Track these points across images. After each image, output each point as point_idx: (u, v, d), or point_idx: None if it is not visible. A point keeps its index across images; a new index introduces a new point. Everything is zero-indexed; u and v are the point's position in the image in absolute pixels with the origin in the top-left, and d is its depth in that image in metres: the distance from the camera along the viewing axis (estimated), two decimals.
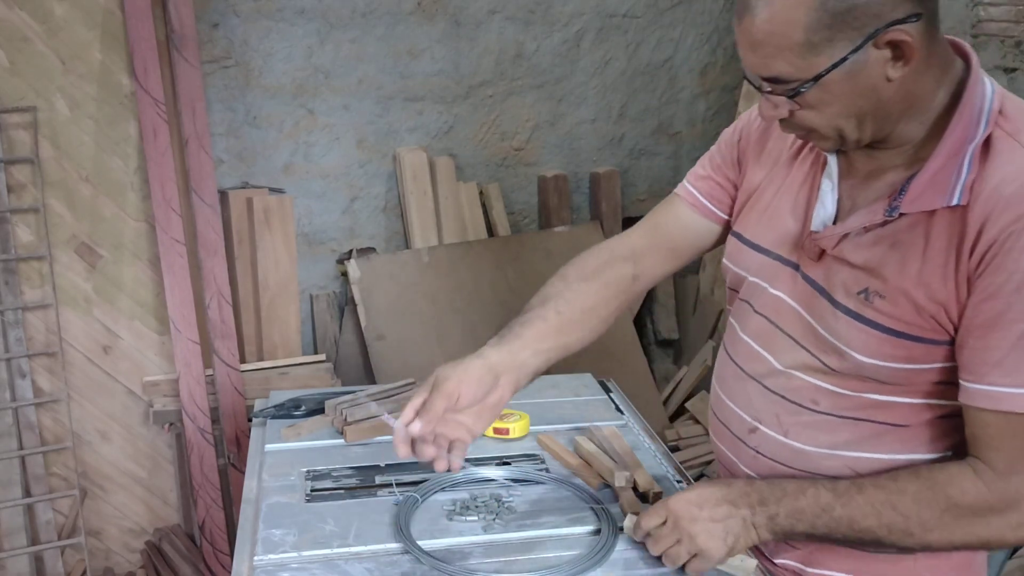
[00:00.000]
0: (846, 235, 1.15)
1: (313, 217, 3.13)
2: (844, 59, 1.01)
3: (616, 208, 3.44)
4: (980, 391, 1.07)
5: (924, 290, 1.08)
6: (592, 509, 1.38)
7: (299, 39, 2.96)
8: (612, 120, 3.46)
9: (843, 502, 1.13)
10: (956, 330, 1.09)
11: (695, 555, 1.18)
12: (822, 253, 1.18)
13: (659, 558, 1.23)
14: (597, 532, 1.32)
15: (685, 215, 1.41)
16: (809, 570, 1.28)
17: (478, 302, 3.15)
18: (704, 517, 1.17)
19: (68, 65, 2.63)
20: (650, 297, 3.56)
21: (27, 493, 2.70)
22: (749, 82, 1.12)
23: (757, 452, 1.28)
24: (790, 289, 1.23)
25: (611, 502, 1.39)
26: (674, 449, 3.19)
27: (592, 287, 1.38)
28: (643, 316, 3.59)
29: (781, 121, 1.12)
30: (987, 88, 1.09)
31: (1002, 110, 1.08)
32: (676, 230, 1.42)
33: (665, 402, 3.45)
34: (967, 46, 1.13)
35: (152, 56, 2.58)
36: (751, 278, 1.29)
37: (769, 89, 1.08)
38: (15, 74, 2.59)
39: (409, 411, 1.21)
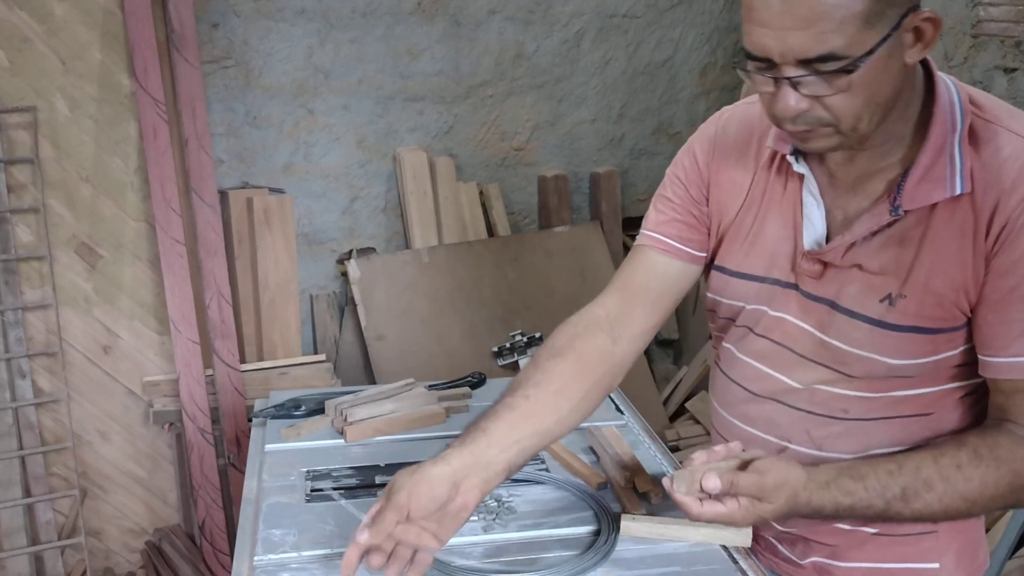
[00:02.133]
0: (853, 244, 1.14)
1: (313, 217, 3.13)
2: (888, 35, 0.99)
3: (616, 208, 3.44)
4: (1005, 363, 1.10)
5: (944, 280, 1.11)
6: (592, 509, 1.38)
7: (299, 39, 2.96)
8: (612, 120, 3.46)
9: (912, 505, 1.14)
10: (974, 309, 1.12)
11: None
12: (824, 268, 1.17)
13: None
14: (597, 533, 1.32)
15: (660, 263, 1.31)
16: (838, 564, 1.29)
17: (478, 302, 3.15)
18: (768, 521, 1.15)
19: (68, 65, 2.63)
20: None
21: (27, 493, 2.70)
22: (750, 77, 1.06)
23: None
24: (793, 310, 1.21)
25: (611, 502, 1.39)
26: (674, 449, 3.19)
27: (563, 364, 1.27)
28: None
29: (796, 118, 1.05)
30: (948, 82, 1.13)
31: (972, 100, 1.12)
32: (652, 281, 1.32)
33: (665, 402, 3.45)
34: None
35: (152, 56, 2.58)
36: (749, 306, 1.26)
37: (804, 73, 1.00)
38: (15, 74, 2.59)
39: (365, 518, 1.12)
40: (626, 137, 3.50)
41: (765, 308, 1.24)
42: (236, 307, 2.89)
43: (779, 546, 1.35)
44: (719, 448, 1.16)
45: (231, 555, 1.75)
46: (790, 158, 1.18)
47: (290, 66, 2.97)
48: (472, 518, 1.33)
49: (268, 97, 2.97)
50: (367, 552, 1.10)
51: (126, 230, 2.77)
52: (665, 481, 1.14)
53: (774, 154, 1.21)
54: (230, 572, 1.24)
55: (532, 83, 3.30)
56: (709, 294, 1.32)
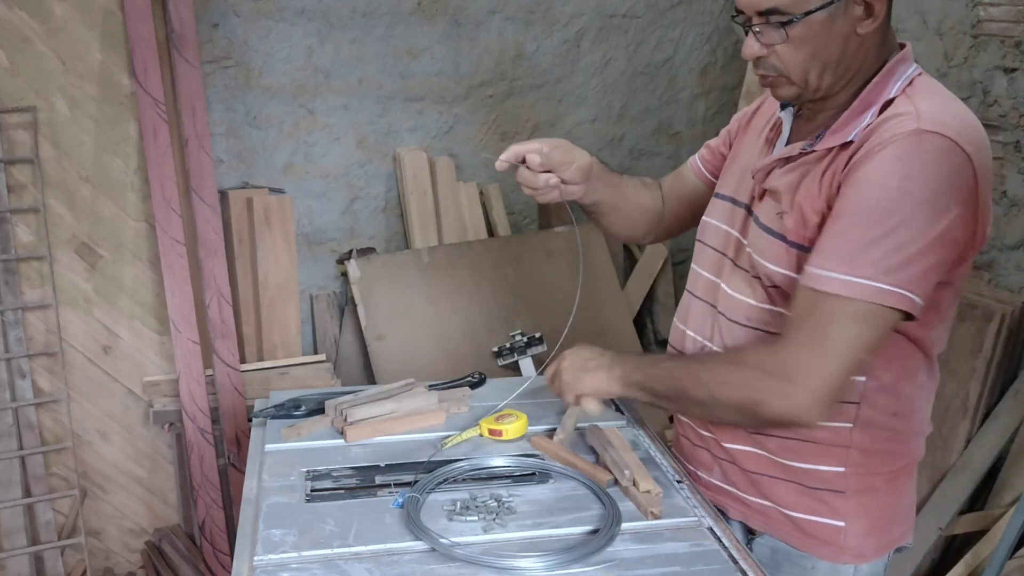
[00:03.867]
0: (772, 169, 1.39)
1: (313, 217, 3.13)
2: (831, 2, 1.24)
3: None
4: (805, 272, 1.27)
5: (810, 203, 1.31)
6: (599, 498, 1.39)
7: (299, 39, 2.96)
8: (612, 120, 3.46)
9: (681, 367, 1.43)
10: None
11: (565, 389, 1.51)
12: (763, 193, 1.41)
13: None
14: (597, 532, 1.32)
15: (685, 173, 1.74)
16: (751, 499, 1.47)
17: (478, 302, 3.15)
18: (575, 364, 1.50)
19: (68, 65, 2.63)
20: (650, 297, 3.57)
21: (27, 493, 2.70)
22: (739, 25, 1.33)
23: None
24: (736, 224, 1.46)
25: (619, 499, 1.39)
26: None
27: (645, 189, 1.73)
28: (643, 316, 3.59)
29: (757, 62, 1.32)
30: (910, 70, 1.32)
31: (913, 81, 1.30)
32: (679, 183, 1.74)
33: None
34: (906, 42, 1.35)
35: (152, 56, 2.58)
36: (712, 221, 1.53)
37: (761, 23, 1.27)
38: (15, 74, 2.59)
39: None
40: (626, 137, 3.50)
41: (720, 224, 1.51)
42: (236, 307, 2.89)
43: (700, 473, 1.55)
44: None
45: (231, 555, 1.75)
46: (778, 107, 1.45)
47: (290, 66, 2.97)
48: (472, 518, 1.34)
49: (268, 97, 2.97)
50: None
51: (126, 230, 2.77)
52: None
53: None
54: (230, 572, 1.24)
55: (532, 83, 3.30)
56: (703, 218, 1.59)
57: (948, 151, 1.21)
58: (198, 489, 2.73)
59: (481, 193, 3.28)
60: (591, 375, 1.48)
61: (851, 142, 1.28)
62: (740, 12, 1.31)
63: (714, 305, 1.48)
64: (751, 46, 1.30)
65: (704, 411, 1.42)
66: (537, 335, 3.08)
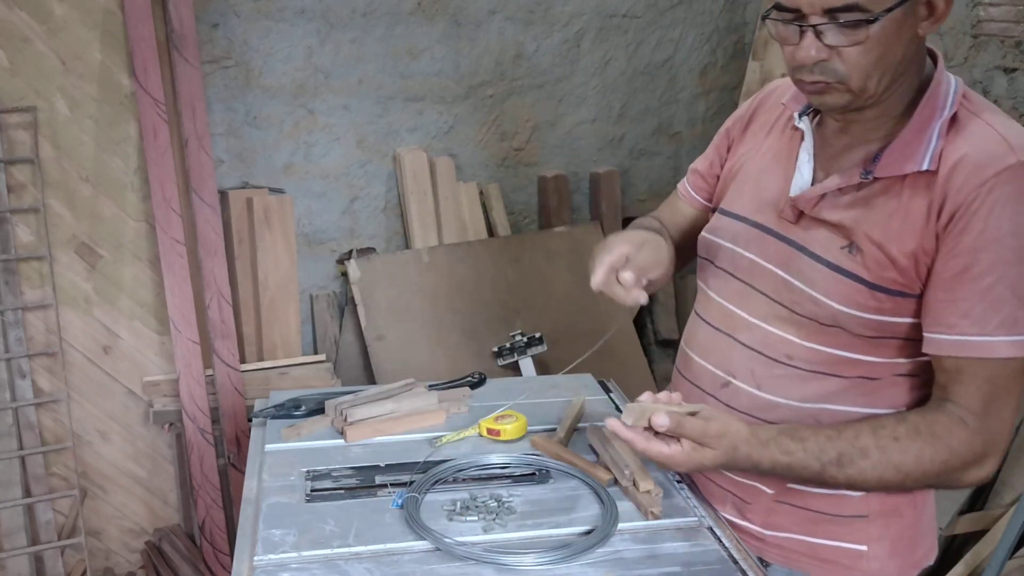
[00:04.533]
0: (823, 197, 1.26)
1: (313, 217, 3.13)
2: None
3: (616, 208, 3.44)
4: (950, 341, 1.17)
5: (897, 244, 1.19)
6: (599, 497, 1.39)
7: (299, 39, 2.96)
8: (612, 120, 3.46)
9: (847, 471, 1.21)
10: (925, 285, 1.19)
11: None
12: (800, 216, 1.29)
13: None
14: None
15: (678, 205, 1.63)
16: (768, 534, 1.38)
17: (478, 302, 3.15)
18: (703, 471, 1.29)
19: (68, 65, 2.63)
20: (650, 298, 3.56)
21: (27, 493, 2.70)
22: (781, 25, 1.17)
23: (728, 406, 1.36)
24: (764, 251, 1.34)
25: (619, 499, 1.40)
26: None
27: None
28: (643, 316, 3.59)
29: (812, 68, 1.17)
30: (951, 78, 1.23)
31: (965, 95, 1.22)
32: (677, 217, 1.62)
33: None
34: (935, 49, 1.26)
35: (152, 56, 2.58)
36: (726, 244, 1.40)
37: (827, 21, 1.12)
38: (15, 74, 2.59)
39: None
40: (626, 137, 3.50)
41: (741, 250, 1.38)
42: (236, 307, 2.89)
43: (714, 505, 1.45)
44: (662, 395, 1.28)
45: (231, 555, 1.75)
46: (795, 115, 1.33)
47: (290, 66, 2.97)
48: (472, 518, 1.34)
49: (268, 97, 2.97)
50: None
51: (126, 230, 2.77)
52: (611, 422, 1.26)
53: (790, 116, 1.36)
54: (230, 572, 1.24)
55: (532, 83, 3.30)
56: (702, 233, 1.48)
57: None
58: (198, 489, 2.73)
59: (481, 193, 3.28)
60: (700, 467, 1.25)
61: (929, 171, 1.17)
62: (788, 10, 1.15)
63: (733, 336, 1.37)
64: (810, 49, 1.15)
65: (878, 490, 1.28)
66: (537, 335, 3.08)
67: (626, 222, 3.48)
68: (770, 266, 1.32)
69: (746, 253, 1.37)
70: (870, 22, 1.11)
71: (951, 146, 1.17)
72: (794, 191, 1.30)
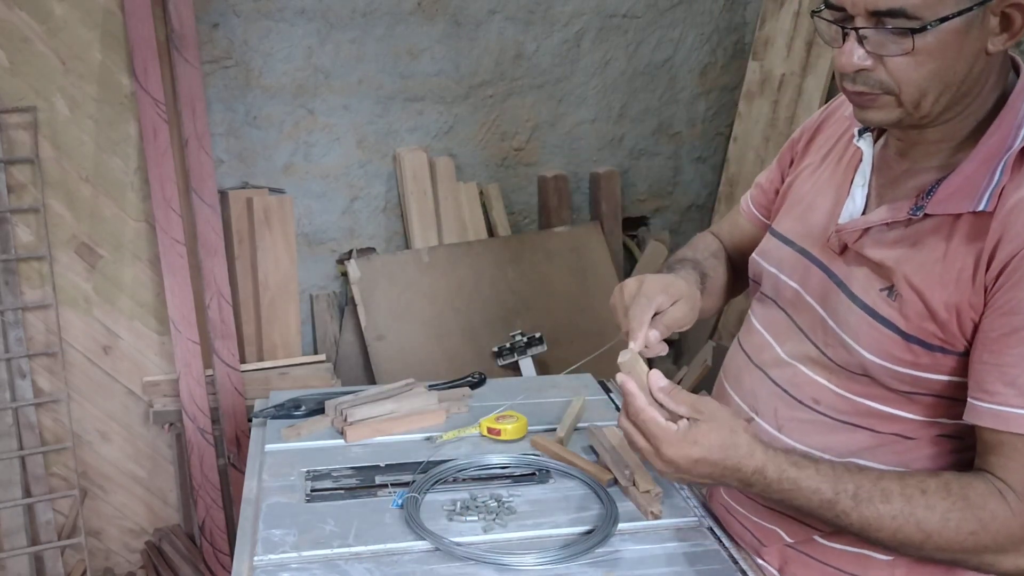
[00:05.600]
0: (868, 230, 1.13)
1: (313, 217, 3.13)
2: (970, 9, 0.97)
3: (616, 208, 3.44)
4: (992, 411, 1.02)
5: (940, 293, 1.05)
6: (599, 497, 1.39)
7: (299, 39, 2.96)
8: (612, 120, 3.46)
9: (861, 510, 1.06)
10: (969, 343, 1.05)
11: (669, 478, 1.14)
12: (844, 248, 1.16)
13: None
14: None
15: (740, 222, 1.52)
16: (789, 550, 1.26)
17: (478, 302, 3.15)
18: (694, 471, 1.09)
19: (68, 65, 2.63)
20: None
21: (27, 493, 2.70)
22: (827, 23, 1.05)
23: None
24: (808, 283, 1.22)
25: (619, 499, 1.40)
26: None
27: (719, 264, 1.50)
28: None
29: (854, 78, 1.05)
30: None
31: None
32: (738, 235, 1.53)
33: None
34: (1020, 59, 1.10)
35: (152, 56, 2.58)
36: (770, 269, 1.29)
37: (872, 25, 1.00)
38: (15, 74, 2.59)
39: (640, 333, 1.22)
40: (626, 137, 3.50)
41: (785, 278, 1.26)
42: (236, 307, 2.89)
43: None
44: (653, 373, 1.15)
45: (231, 555, 1.75)
46: (855, 132, 1.19)
47: (290, 66, 2.97)
48: (472, 518, 1.34)
49: (268, 97, 2.97)
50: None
51: (126, 230, 2.77)
52: (620, 376, 1.15)
53: (852, 136, 1.22)
54: (230, 572, 1.24)
55: (532, 83, 3.30)
56: (752, 254, 1.37)
57: None
58: (198, 489, 2.73)
59: (481, 193, 3.28)
60: (691, 479, 1.12)
61: (986, 212, 1.02)
62: (836, 8, 1.03)
63: (763, 369, 1.27)
64: (852, 55, 1.02)
65: (892, 547, 1.10)
66: (537, 335, 3.08)
67: (626, 222, 3.49)
68: (810, 300, 1.21)
69: (790, 282, 1.25)
70: (919, 31, 0.97)
71: (1013, 184, 1.01)
72: (843, 219, 1.17)
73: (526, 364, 3.07)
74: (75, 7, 2.60)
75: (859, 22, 1.01)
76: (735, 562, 1.27)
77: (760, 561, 1.28)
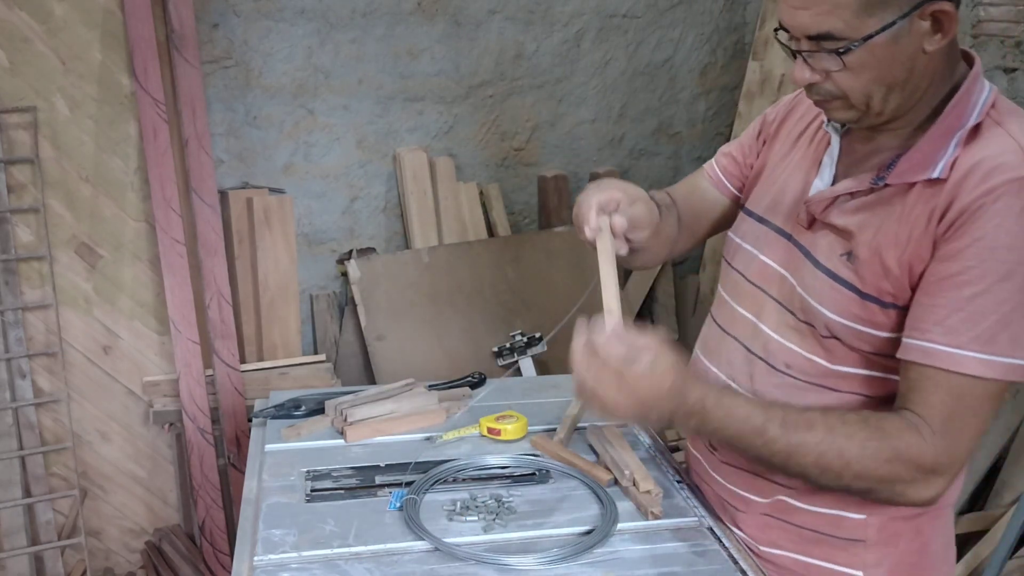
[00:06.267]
0: (834, 200, 1.23)
1: (313, 217, 3.13)
2: (893, 23, 1.07)
3: None
4: (919, 347, 1.12)
5: (894, 251, 1.15)
6: (599, 497, 1.39)
7: (299, 39, 2.96)
8: (612, 120, 3.46)
9: (788, 437, 1.16)
10: (912, 291, 1.14)
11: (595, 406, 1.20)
12: (812, 221, 1.26)
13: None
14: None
15: (703, 186, 1.56)
16: (761, 548, 1.35)
17: (478, 302, 3.15)
18: (635, 398, 1.15)
19: (68, 65, 2.63)
20: (650, 297, 3.56)
21: (27, 493, 2.70)
22: (784, 47, 1.17)
23: None
24: (779, 257, 1.31)
25: (619, 499, 1.40)
26: (674, 449, 3.19)
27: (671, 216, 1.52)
28: (643, 316, 3.59)
29: (808, 88, 1.17)
30: (985, 86, 1.17)
31: (995, 103, 1.16)
32: (696, 198, 1.56)
33: None
34: (973, 52, 1.21)
35: (152, 56, 2.58)
36: (745, 245, 1.38)
37: (812, 48, 1.11)
38: (15, 74, 2.59)
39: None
40: (626, 137, 3.50)
41: (756, 252, 1.35)
42: (236, 307, 2.89)
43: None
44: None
45: (231, 555, 1.75)
46: (824, 120, 1.29)
47: (290, 66, 2.97)
48: (472, 518, 1.34)
49: (268, 97, 2.97)
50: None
51: (126, 230, 2.77)
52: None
53: (821, 122, 1.32)
54: (230, 572, 1.24)
55: (532, 83, 3.30)
56: (728, 233, 1.46)
57: None
58: (198, 489, 2.73)
59: (481, 193, 3.28)
60: (640, 404, 1.16)
61: (939, 179, 1.12)
62: (786, 30, 1.15)
63: (738, 339, 1.35)
64: (802, 71, 1.14)
65: (814, 477, 1.19)
66: (537, 335, 3.08)
67: None
68: (782, 271, 1.30)
69: (760, 256, 1.34)
70: (845, 52, 1.08)
71: (966, 155, 1.12)
72: (812, 193, 1.28)
73: (526, 364, 3.07)
74: (75, 7, 2.60)
75: (803, 44, 1.13)
76: (735, 562, 1.27)
77: (738, 533, 1.36)
